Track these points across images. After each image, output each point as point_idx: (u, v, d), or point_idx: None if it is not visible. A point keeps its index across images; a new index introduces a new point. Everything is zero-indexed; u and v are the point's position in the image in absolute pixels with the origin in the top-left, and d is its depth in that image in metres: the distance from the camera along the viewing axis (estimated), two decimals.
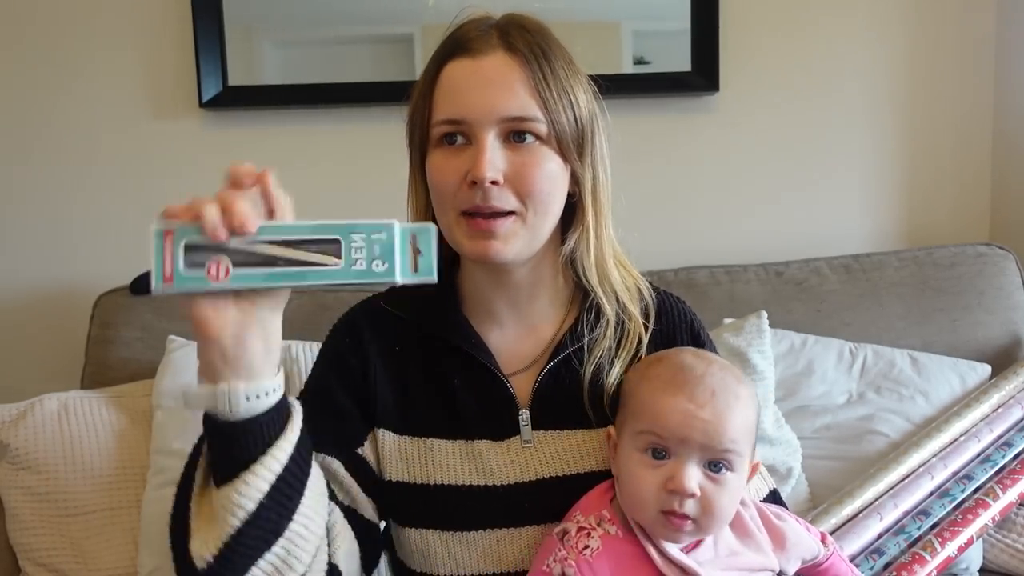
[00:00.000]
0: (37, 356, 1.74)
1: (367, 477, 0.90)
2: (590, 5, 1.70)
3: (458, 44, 0.85)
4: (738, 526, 0.83)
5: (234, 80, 1.68)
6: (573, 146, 0.86)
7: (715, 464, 0.77)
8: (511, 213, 0.83)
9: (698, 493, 0.76)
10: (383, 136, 1.77)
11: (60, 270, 1.74)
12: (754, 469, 0.84)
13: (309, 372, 0.97)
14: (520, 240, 0.84)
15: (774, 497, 0.96)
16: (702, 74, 1.71)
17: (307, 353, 1.41)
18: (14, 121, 1.72)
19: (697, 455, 0.77)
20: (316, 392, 0.93)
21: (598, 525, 0.79)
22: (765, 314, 1.49)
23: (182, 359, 1.45)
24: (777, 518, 0.87)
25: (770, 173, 1.78)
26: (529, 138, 0.83)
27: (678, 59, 1.71)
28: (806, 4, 1.75)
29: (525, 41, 0.84)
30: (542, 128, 0.83)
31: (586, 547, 0.77)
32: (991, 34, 1.78)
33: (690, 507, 0.76)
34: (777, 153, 1.78)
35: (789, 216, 1.79)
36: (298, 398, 0.91)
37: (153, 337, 1.52)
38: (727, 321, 1.51)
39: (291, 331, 1.56)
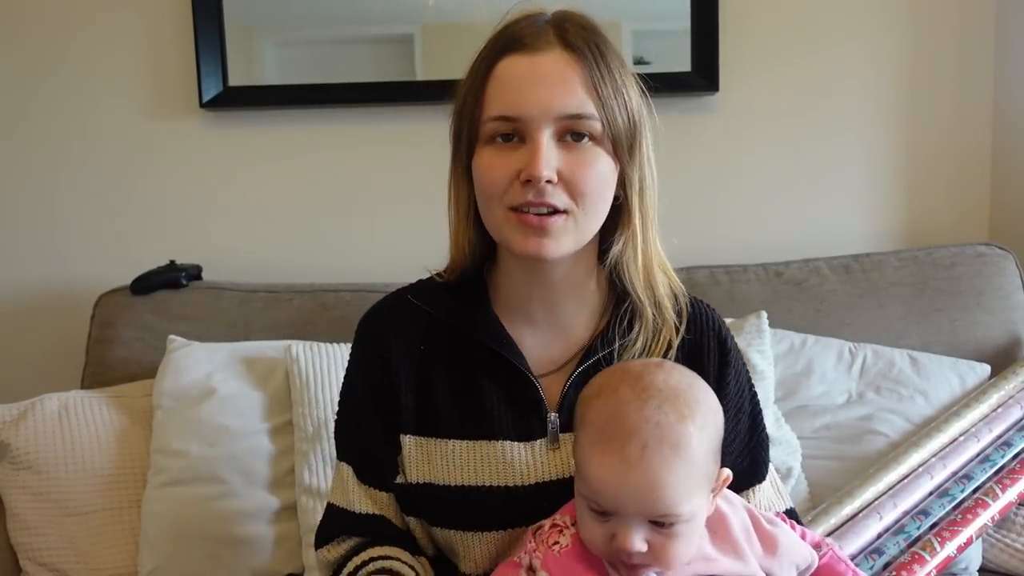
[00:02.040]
0: (37, 356, 1.74)
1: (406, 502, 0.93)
2: (590, 5, 1.67)
3: (513, 40, 0.83)
4: (719, 531, 0.80)
5: (234, 80, 1.68)
6: (625, 146, 0.86)
7: (660, 522, 0.73)
8: (563, 212, 0.83)
9: (644, 549, 0.72)
10: (383, 136, 1.78)
11: (60, 270, 1.74)
12: (723, 483, 0.79)
13: (345, 374, 0.98)
14: (570, 238, 0.84)
15: (790, 517, 0.93)
16: (702, 74, 1.71)
17: (307, 353, 1.41)
18: (14, 121, 1.72)
19: (639, 517, 0.73)
20: (352, 410, 0.95)
21: (571, 525, 0.79)
22: (765, 314, 1.49)
23: (182, 359, 1.45)
24: (769, 523, 0.84)
25: (770, 173, 1.78)
26: (585, 138, 0.83)
27: (678, 59, 1.71)
28: (806, 4, 1.75)
29: (583, 38, 0.84)
30: (597, 127, 0.83)
31: (556, 543, 0.78)
32: (991, 34, 1.78)
33: (640, 558, 0.73)
34: (777, 153, 1.78)
35: (789, 216, 1.79)
36: (339, 408, 0.97)
37: (153, 337, 1.52)
38: (727, 321, 1.51)
39: (291, 331, 1.58)
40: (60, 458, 1.39)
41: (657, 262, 0.91)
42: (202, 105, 1.68)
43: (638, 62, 1.72)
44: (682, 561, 0.75)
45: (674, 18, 1.70)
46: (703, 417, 0.75)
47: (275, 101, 1.71)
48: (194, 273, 1.63)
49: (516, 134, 0.83)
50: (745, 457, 0.93)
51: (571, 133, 0.82)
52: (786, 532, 0.85)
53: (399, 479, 0.92)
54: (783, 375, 1.49)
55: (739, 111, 1.76)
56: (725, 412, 0.80)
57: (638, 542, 0.72)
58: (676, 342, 0.91)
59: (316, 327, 1.52)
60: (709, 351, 0.94)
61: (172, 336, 1.49)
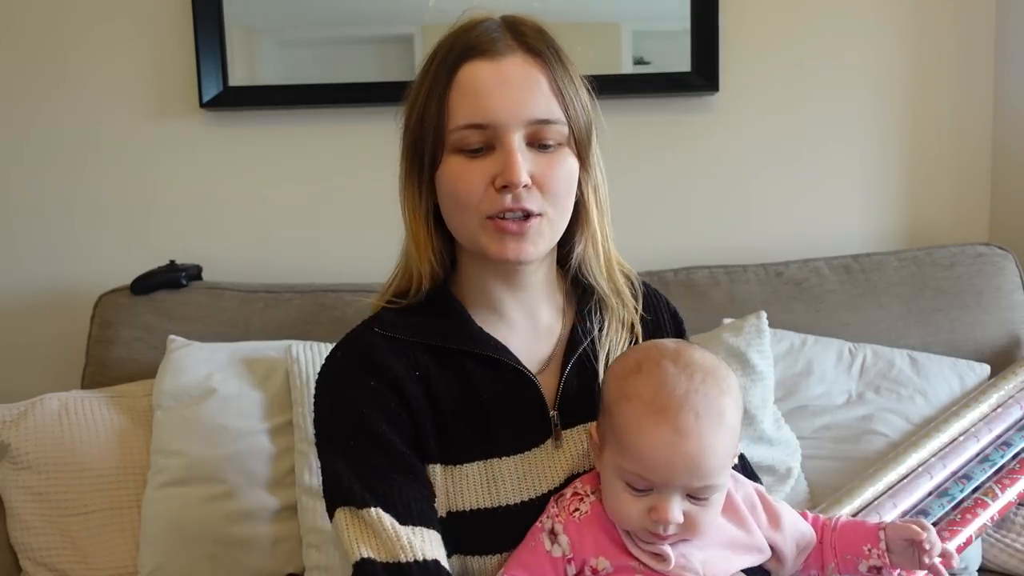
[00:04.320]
0: (37, 356, 1.74)
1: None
2: (590, 5, 1.70)
3: (472, 46, 0.83)
4: (726, 503, 0.83)
5: (234, 80, 1.68)
6: (585, 146, 0.87)
7: (698, 495, 0.77)
8: (537, 215, 0.83)
9: (682, 520, 0.76)
10: (383, 136, 1.77)
11: (60, 270, 1.74)
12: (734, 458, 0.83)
13: (326, 421, 0.87)
14: (545, 240, 0.85)
15: (742, 461, 0.99)
16: (702, 74, 1.71)
17: (307, 353, 1.41)
18: (15, 121, 1.72)
19: (681, 490, 0.76)
20: (376, 451, 0.82)
21: (591, 494, 0.82)
22: (764, 314, 1.49)
23: (182, 359, 1.45)
24: (775, 501, 0.88)
25: (770, 173, 1.78)
26: (553, 143, 0.83)
27: (678, 59, 1.71)
28: (806, 4, 1.75)
29: (542, 41, 0.84)
30: (564, 131, 0.84)
31: (576, 510, 0.80)
32: (991, 34, 1.78)
33: (672, 530, 0.76)
34: (777, 153, 1.78)
35: (789, 216, 1.79)
36: (335, 453, 0.84)
37: (153, 337, 1.52)
38: (727, 321, 1.51)
39: (291, 331, 1.58)
40: (60, 458, 1.39)
41: (613, 255, 0.94)
42: (202, 105, 1.68)
43: (638, 62, 1.72)
44: (708, 531, 0.78)
45: (674, 18, 1.70)
46: (736, 391, 0.79)
47: (275, 101, 1.71)
48: (194, 273, 1.63)
49: (485, 142, 0.82)
50: None
51: (541, 136, 0.83)
52: (788, 509, 0.89)
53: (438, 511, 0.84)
54: (783, 375, 1.49)
55: (739, 111, 1.76)
56: None
57: (678, 513, 0.75)
58: (638, 322, 0.95)
59: (316, 327, 1.52)
60: (666, 325, 0.99)
61: (172, 336, 1.49)
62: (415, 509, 0.80)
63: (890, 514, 1.33)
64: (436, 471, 0.85)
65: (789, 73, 1.76)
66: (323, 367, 0.89)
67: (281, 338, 1.50)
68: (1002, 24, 1.76)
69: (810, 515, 0.92)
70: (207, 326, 1.54)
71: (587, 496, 0.81)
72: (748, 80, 1.75)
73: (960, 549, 1.31)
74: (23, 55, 1.70)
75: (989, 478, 1.38)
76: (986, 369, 1.54)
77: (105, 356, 1.54)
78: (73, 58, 1.70)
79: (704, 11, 1.69)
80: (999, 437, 1.42)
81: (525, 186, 0.81)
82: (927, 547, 0.84)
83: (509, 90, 0.81)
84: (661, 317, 0.99)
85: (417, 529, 0.79)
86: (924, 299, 1.59)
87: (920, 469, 1.39)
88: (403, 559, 0.77)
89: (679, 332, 1.01)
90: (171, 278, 1.58)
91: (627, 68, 1.71)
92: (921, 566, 0.85)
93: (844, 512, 1.34)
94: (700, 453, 0.74)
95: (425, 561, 0.77)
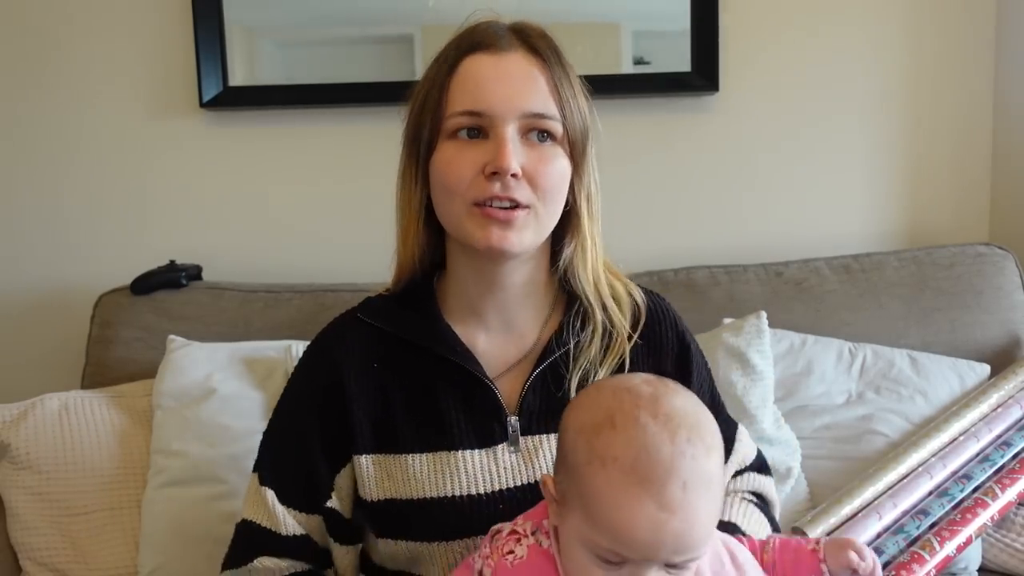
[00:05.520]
0: (37, 356, 1.74)
1: (336, 524, 0.92)
2: (590, 5, 1.70)
3: (477, 41, 0.86)
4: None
5: (234, 80, 1.68)
6: (579, 150, 0.88)
7: (679, 565, 0.68)
8: (525, 206, 0.84)
9: None
10: (383, 136, 1.77)
11: (60, 270, 1.74)
12: None
13: (284, 391, 0.98)
14: (530, 233, 0.86)
15: (760, 458, 1.01)
16: (702, 74, 1.71)
17: None
18: (14, 121, 1.72)
19: (659, 564, 0.67)
20: (289, 433, 0.94)
21: (531, 534, 0.75)
22: (764, 314, 1.49)
23: (182, 359, 1.45)
24: (738, 550, 0.82)
25: (770, 173, 1.78)
26: (547, 138, 0.85)
27: (678, 59, 1.71)
28: (806, 4, 1.75)
29: (544, 43, 0.87)
30: (558, 128, 0.85)
31: (511, 552, 0.74)
32: (991, 34, 1.78)
33: None
34: (777, 153, 1.78)
35: (789, 216, 1.79)
36: (270, 426, 0.96)
37: (153, 337, 1.52)
38: (727, 321, 1.51)
39: (291, 331, 1.58)
40: (60, 458, 1.39)
41: (603, 265, 0.94)
42: (202, 105, 1.68)
43: (638, 62, 1.72)
44: None
45: (674, 18, 1.70)
46: (720, 444, 0.70)
47: (275, 101, 1.71)
48: (194, 273, 1.63)
49: (480, 130, 0.84)
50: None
51: (535, 131, 0.85)
52: (754, 565, 0.82)
53: (370, 496, 0.90)
54: (783, 375, 1.49)
55: (739, 111, 1.76)
56: None
57: None
58: (628, 346, 0.92)
59: (316, 327, 1.49)
60: (669, 343, 0.96)
61: (172, 336, 1.49)
62: (302, 495, 0.91)
63: (890, 514, 1.33)
64: (366, 461, 0.89)
65: (789, 73, 1.76)
66: (305, 348, 0.99)
67: (281, 338, 1.50)
68: (1002, 24, 1.76)
69: (756, 543, 0.87)
70: (207, 326, 1.53)
71: (525, 537, 0.74)
72: (748, 80, 1.75)
73: (960, 549, 1.31)
74: (23, 55, 1.70)
75: (989, 478, 1.38)
76: (986, 369, 1.54)
77: (105, 356, 1.54)
78: (73, 58, 1.70)
79: (704, 11, 1.69)
80: (999, 437, 1.42)
81: (514, 175, 0.82)
82: (865, 569, 0.80)
83: (507, 82, 0.83)
84: (664, 338, 0.96)
85: (295, 512, 0.91)
86: (924, 299, 1.59)
87: (920, 469, 1.39)
88: (282, 532, 0.90)
89: (683, 355, 0.97)
90: (171, 278, 1.58)
91: (627, 68, 1.71)
92: None
93: (844, 512, 1.34)
94: (688, 529, 0.65)
95: (299, 536, 0.91)
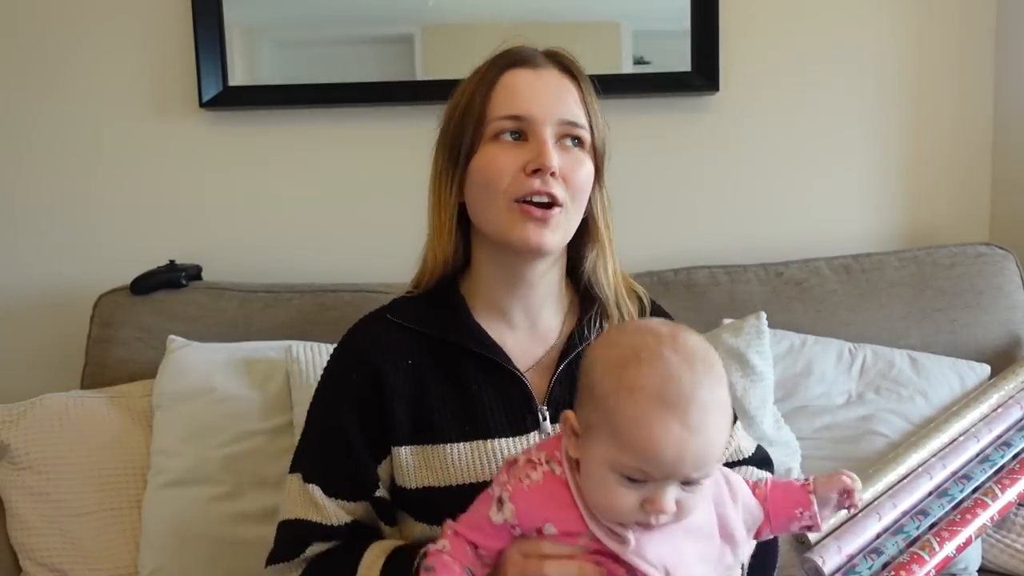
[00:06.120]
0: (37, 356, 1.74)
1: (382, 509, 0.97)
2: (590, 5, 1.70)
3: (515, 59, 0.95)
4: None
5: (234, 80, 1.68)
6: (601, 163, 0.98)
7: (694, 482, 0.76)
8: (560, 204, 0.92)
9: (675, 509, 0.75)
10: (383, 136, 1.78)
11: (60, 270, 1.74)
12: None
13: (317, 391, 1.01)
14: (561, 231, 0.94)
15: (760, 453, 1.07)
16: (702, 74, 1.71)
17: (307, 353, 1.40)
18: (14, 121, 1.72)
19: (680, 480, 0.75)
20: (330, 429, 0.97)
21: (546, 463, 0.81)
22: (764, 315, 1.49)
23: (182, 359, 1.45)
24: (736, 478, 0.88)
25: (770, 173, 1.78)
26: (578, 144, 0.95)
27: (678, 59, 1.71)
28: (806, 4, 1.75)
29: (573, 65, 0.97)
30: (587, 136, 0.95)
31: (527, 477, 0.80)
32: (991, 34, 1.78)
33: (664, 519, 0.75)
34: (777, 153, 1.78)
35: (789, 216, 1.79)
36: (308, 426, 1.00)
37: (153, 337, 1.52)
38: (726, 321, 1.51)
39: (291, 331, 1.58)
40: (60, 458, 1.39)
41: (620, 272, 1.03)
42: (202, 105, 1.68)
43: (638, 62, 1.72)
44: (694, 513, 0.78)
45: (674, 18, 1.70)
46: (726, 378, 0.79)
47: (275, 101, 1.71)
48: (194, 273, 1.63)
49: (521, 133, 0.92)
50: None
51: (568, 137, 0.94)
52: (743, 488, 0.88)
53: (408, 485, 0.94)
54: (783, 375, 1.49)
55: (739, 111, 1.76)
56: None
57: (672, 504, 0.74)
58: None
59: (316, 327, 1.52)
60: None
61: (172, 336, 1.49)
62: (349, 486, 0.95)
63: (890, 514, 1.33)
64: (405, 452, 0.94)
65: (789, 73, 1.76)
66: (334, 348, 1.03)
67: (281, 338, 1.50)
68: (1002, 24, 1.76)
69: (749, 483, 0.92)
70: (207, 326, 1.54)
71: (540, 464, 0.81)
72: (748, 80, 1.75)
73: (960, 549, 1.31)
74: (23, 55, 1.70)
75: (989, 478, 1.38)
76: (986, 369, 1.54)
77: (105, 356, 1.54)
78: (73, 58, 1.70)
79: (704, 11, 1.69)
80: (999, 437, 1.43)
81: (552, 174, 0.90)
82: (856, 498, 0.85)
83: (545, 92, 0.93)
84: None
85: (343, 502, 0.95)
86: (924, 299, 1.59)
87: (920, 469, 1.39)
88: (332, 523, 0.94)
89: None
90: (171, 278, 1.58)
91: (627, 68, 1.71)
92: (837, 509, 0.88)
93: (843, 512, 1.34)
94: (706, 447, 0.73)
95: (348, 523, 0.95)
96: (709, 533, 0.82)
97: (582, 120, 0.94)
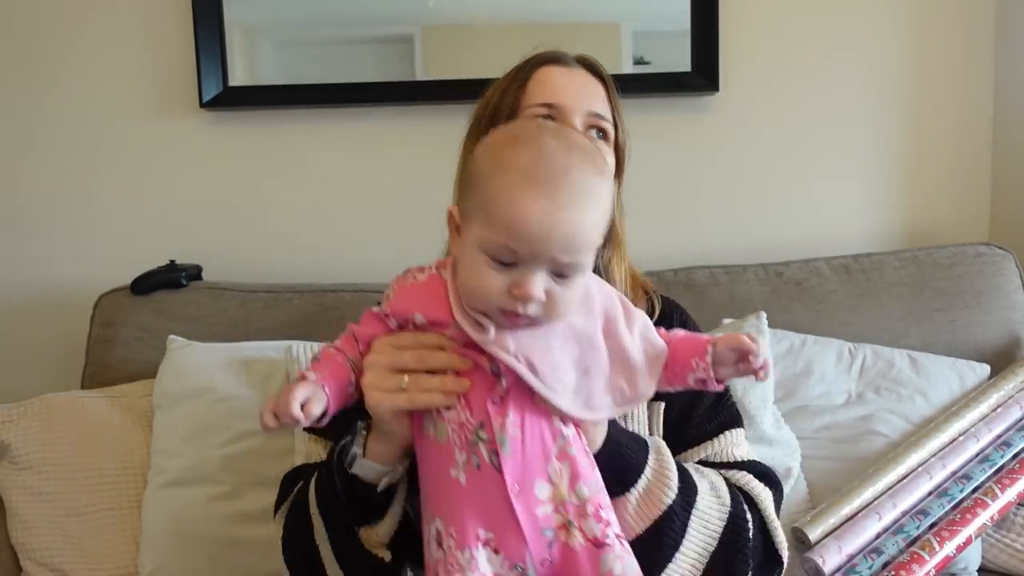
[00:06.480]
0: (37, 356, 1.74)
1: None
2: (590, 5, 1.70)
3: (549, 57, 1.02)
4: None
5: (234, 80, 1.68)
6: (622, 159, 1.03)
7: (563, 273, 0.75)
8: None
9: (544, 299, 0.74)
10: (383, 136, 1.78)
11: (60, 270, 1.74)
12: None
13: None
14: None
15: (759, 467, 1.01)
16: (702, 74, 1.71)
17: (307, 353, 1.41)
18: (14, 121, 1.72)
19: (547, 265, 0.74)
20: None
21: (435, 269, 0.83)
22: (764, 314, 1.49)
23: (182, 359, 1.45)
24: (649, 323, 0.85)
25: (770, 173, 1.78)
26: (603, 136, 1.00)
27: (678, 59, 1.71)
28: (806, 4, 1.75)
29: (601, 69, 1.05)
30: (612, 131, 1.01)
31: (414, 278, 0.83)
32: (991, 34, 1.78)
33: (533, 309, 0.74)
34: (777, 153, 1.78)
35: (789, 216, 1.79)
36: None
37: (153, 337, 1.52)
38: (726, 321, 1.51)
39: (291, 331, 1.57)
40: (60, 458, 1.39)
41: (630, 268, 1.08)
42: (202, 105, 1.68)
43: (638, 62, 1.72)
44: (564, 316, 0.78)
45: (674, 18, 1.70)
46: (611, 178, 0.80)
47: (275, 101, 1.71)
48: (194, 273, 1.63)
49: (554, 120, 0.96)
50: (711, 420, 1.03)
51: (594, 128, 0.99)
52: (646, 319, 0.85)
53: None
54: (783, 375, 1.49)
55: (739, 111, 1.76)
56: None
57: (540, 291, 0.74)
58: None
59: (316, 327, 1.52)
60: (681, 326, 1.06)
61: (172, 336, 1.49)
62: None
63: (890, 514, 1.33)
64: None
65: (789, 73, 1.76)
66: None
67: (281, 338, 1.50)
68: (1002, 24, 1.77)
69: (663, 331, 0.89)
70: (207, 326, 1.54)
71: (429, 269, 0.83)
72: (748, 80, 1.75)
73: (960, 549, 1.31)
74: (23, 55, 1.70)
75: (989, 478, 1.38)
76: (986, 369, 1.54)
77: (105, 356, 1.54)
78: (73, 58, 1.70)
79: (704, 11, 1.69)
80: (999, 437, 1.43)
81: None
82: (754, 360, 0.80)
83: (576, 86, 1.00)
84: (675, 324, 1.06)
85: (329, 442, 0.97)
86: (924, 299, 1.59)
87: (920, 469, 1.39)
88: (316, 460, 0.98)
89: None
90: (171, 278, 1.58)
91: (627, 68, 1.72)
92: (741, 374, 0.82)
93: (843, 512, 1.35)
94: (574, 228, 0.73)
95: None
96: (591, 343, 0.81)
97: (608, 115, 1.00)
